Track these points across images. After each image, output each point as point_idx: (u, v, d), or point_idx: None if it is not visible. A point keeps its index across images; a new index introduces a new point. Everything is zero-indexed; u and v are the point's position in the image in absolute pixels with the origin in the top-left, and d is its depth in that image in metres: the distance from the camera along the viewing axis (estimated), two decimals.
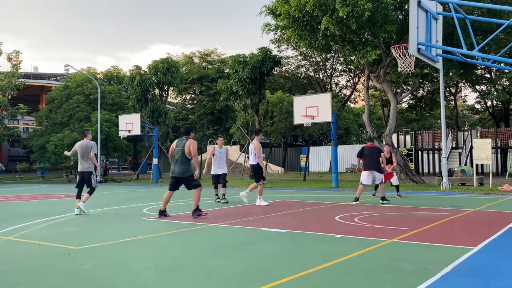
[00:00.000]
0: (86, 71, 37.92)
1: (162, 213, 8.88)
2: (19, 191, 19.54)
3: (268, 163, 29.13)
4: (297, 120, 19.77)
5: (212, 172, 12.18)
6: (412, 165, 28.62)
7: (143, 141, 34.49)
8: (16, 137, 39.27)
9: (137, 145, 38.63)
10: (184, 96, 49.81)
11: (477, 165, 21.38)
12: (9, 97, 32.14)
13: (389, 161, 12.85)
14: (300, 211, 9.78)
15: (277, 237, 6.49)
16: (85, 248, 5.85)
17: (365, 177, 11.16)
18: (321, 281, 4.12)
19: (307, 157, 27.23)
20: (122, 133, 27.79)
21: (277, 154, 44.49)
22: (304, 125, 20.32)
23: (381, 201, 11.32)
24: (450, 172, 18.86)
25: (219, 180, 12.19)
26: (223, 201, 11.93)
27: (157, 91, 31.10)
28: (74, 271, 4.62)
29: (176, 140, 9.06)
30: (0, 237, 6.87)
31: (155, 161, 27.78)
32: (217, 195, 12.33)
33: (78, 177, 10.05)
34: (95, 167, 10.21)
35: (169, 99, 36.69)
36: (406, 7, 19.19)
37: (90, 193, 10.10)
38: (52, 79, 51.35)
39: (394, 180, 13.20)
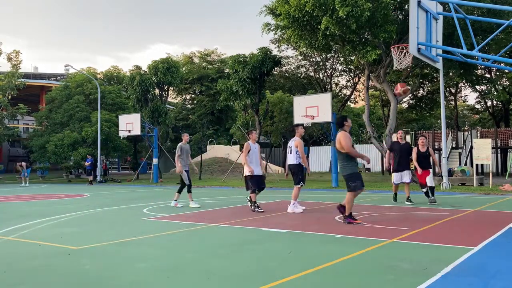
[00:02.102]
0: (86, 71, 37.93)
1: (348, 218, 7.70)
2: (19, 191, 19.54)
3: (268, 163, 29.12)
4: (297, 120, 19.75)
5: (256, 172, 9.83)
6: (412, 165, 28.55)
7: (143, 141, 34.50)
8: (16, 137, 39.28)
9: (137, 145, 38.65)
10: (184, 96, 49.84)
11: (477, 165, 21.38)
12: (9, 97, 32.17)
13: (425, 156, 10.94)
14: (300, 211, 9.77)
15: (277, 237, 6.49)
16: (85, 248, 5.85)
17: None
18: (321, 281, 4.12)
19: (307, 157, 27.24)
20: (122, 133, 27.80)
21: (277, 154, 44.47)
22: (304, 125, 20.30)
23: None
24: (450, 172, 18.86)
25: (261, 182, 10.00)
26: (259, 209, 9.66)
27: (157, 91, 31.11)
28: (74, 271, 4.62)
29: None
30: (0, 237, 6.87)
31: (155, 161, 27.78)
32: (255, 201, 9.88)
33: None
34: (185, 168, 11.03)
35: (169, 99, 36.71)
36: (406, 7, 19.20)
37: (179, 191, 11.02)
38: (52, 79, 51.34)
39: (429, 180, 10.82)
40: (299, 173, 9.59)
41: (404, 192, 11.30)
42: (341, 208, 7.86)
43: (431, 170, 10.88)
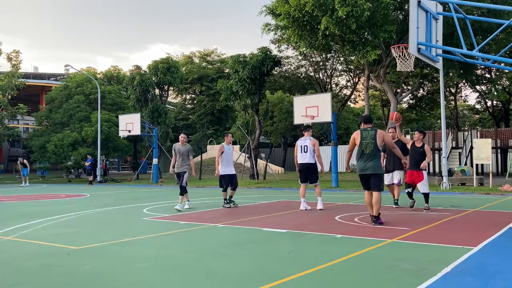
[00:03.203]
0: (86, 71, 37.92)
1: (377, 220, 7.46)
2: (19, 191, 19.54)
3: (268, 163, 29.12)
4: (297, 120, 19.76)
5: (222, 172, 10.77)
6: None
7: (143, 141, 34.47)
8: (16, 137, 39.28)
9: (137, 145, 38.61)
10: (184, 96, 49.86)
11: (477, 165, 21.38)
12: (9, 97, 32.17)
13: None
14: (300, 211, 9.77)
15: (277, 237, 6.49)
16: (85, 248, 5.85)
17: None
18: (321, 281, 4.12)
19: None
20: (122, 133, 27.79)
21: (277, 154, 44.48)
22: (305, 125, 20.32)
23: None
24: (450, 172, 18.85)
25: (229, 181, 10.86)
26: (231, 204, 10.77)
27: (157, 91, 31.11)
28: (74, 271, 4.62)
29: (358, 131, 7.73)
30: (0, 237, 6.87)
31: (155, 161, 27.78)
32: (225, 198, 10.92)
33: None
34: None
35: (169, 99, 36.73)
36: (406, 7, 19.21)
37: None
38: (52, 79, 51.34)
39: (422, 186, 9.59)
40: (315, 172, 10.03)
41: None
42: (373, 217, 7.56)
43: (425, 174, 9.53)
